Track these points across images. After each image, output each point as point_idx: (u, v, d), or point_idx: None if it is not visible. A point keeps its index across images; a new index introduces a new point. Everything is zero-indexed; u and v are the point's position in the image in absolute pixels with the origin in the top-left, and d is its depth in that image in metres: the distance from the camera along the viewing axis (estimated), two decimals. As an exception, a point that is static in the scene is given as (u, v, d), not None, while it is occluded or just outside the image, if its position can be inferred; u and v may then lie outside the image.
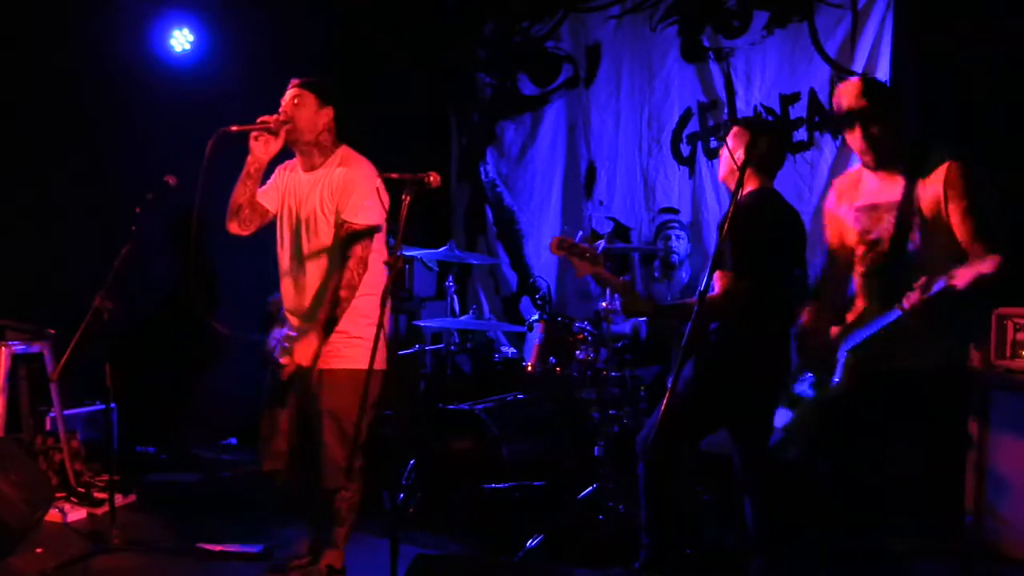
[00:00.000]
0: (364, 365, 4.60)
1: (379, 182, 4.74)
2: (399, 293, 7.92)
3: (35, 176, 7.51)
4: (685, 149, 7.87)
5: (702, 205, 7.75)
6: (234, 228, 5.14)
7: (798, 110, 7.24)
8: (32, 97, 7.33)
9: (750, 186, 4.89)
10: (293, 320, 5.10)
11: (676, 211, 7.85)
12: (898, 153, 4.36)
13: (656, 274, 7.29)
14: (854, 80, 4.51)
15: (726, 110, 7.64)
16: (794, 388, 4.65)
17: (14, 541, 5.51)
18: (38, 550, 5.63)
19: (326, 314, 4.80)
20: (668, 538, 4.89)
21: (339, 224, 4.88)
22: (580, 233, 4.80)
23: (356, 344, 4.89)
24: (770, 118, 7.37)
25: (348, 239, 4.85)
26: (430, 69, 9.03)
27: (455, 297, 7.43)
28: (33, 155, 7.41)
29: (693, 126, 7.87)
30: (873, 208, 4.42)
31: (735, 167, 4.84)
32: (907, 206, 4.27)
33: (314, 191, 5.00)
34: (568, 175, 8.63)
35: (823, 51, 7.08)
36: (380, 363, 4.67)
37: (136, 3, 7.94)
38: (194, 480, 7.57)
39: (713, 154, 7.71)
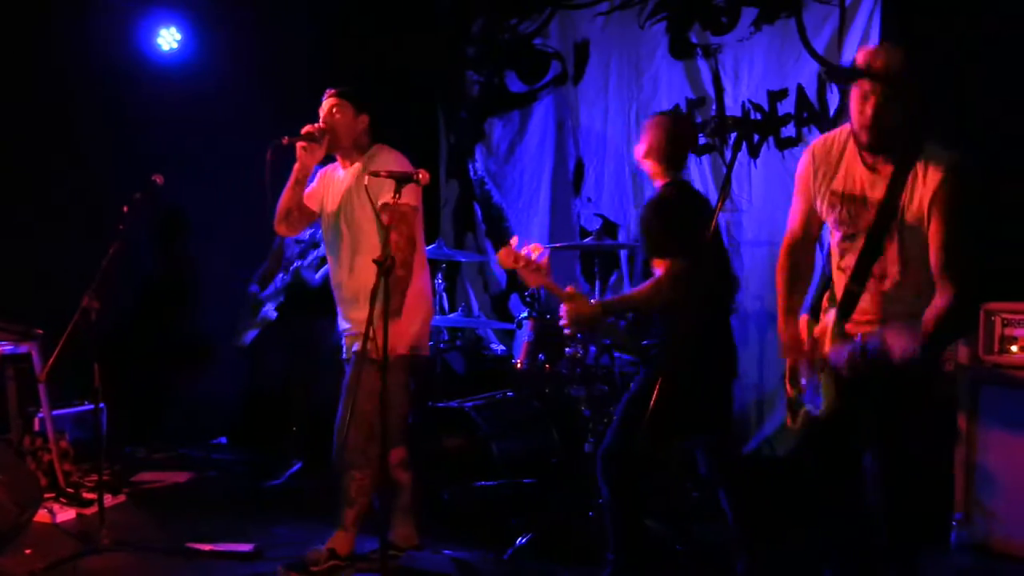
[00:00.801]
0: (400, 351, 5.06)
1: (407, 162, 5.12)
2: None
3: (22, 175, 7.50)
4: (674, 145, 7.86)
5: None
6: (283, 230, 5.57)
7: (786, 106, 7.24)
8: (19, 96, 7.31)
9: (661, 180, 5.02)
10: (349, 317, 5.38)
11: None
12: (895, 141, 3.93)
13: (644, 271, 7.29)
14: (898, 48, 3.99)
15: (714, 107, 7.63)
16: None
17: (3, 542, 5.48)
18: (27, 551, 5.61)
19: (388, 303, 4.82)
20: (634, 554, 4.88)
21: (382, 208, 5.01)
22: (520, 241, 4.76)
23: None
24: (758, 115, 7.38)
25: (390, 218, 4.90)
26: (418, 67, 9.01)
27: (444, 295, 7.42)
28: (19, 154, 7.39)
29: (681, 123, 7.86)
30: (852, 200, 4.05)
31: (646, 158, 5.02)
32: (891, 207, 3.92)
33: (350, 181, 5.35)
34: (556, 172, 8.62)
35: (811, 47, 7.08)
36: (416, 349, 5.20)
37: (123, 2, 7.93)
38: (184, 480, 7.56)
39: (702, 151, 7.70)
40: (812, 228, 4.33)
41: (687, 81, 7.81)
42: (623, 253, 7.86)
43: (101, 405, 5.87)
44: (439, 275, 7.25)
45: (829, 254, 4.28)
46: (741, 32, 7.49)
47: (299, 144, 5.27)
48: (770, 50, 7.32)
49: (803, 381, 4.23)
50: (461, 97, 9.24)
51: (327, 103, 5.44)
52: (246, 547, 5.70)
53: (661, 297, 4.71)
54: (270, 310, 7.31)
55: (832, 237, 4.21)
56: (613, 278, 7.50)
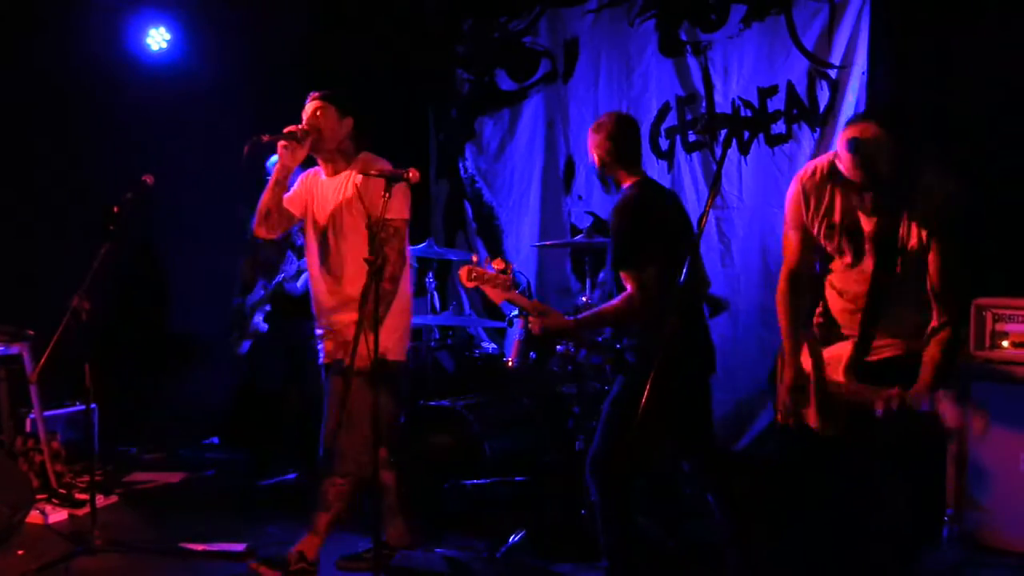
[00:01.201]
0: (388, 358, 5.05)
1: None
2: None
3: (10, 175, 7.48)
4: (664, 143, 7.87)
5: (681, 198, 7.73)
6: (262, 232, 5.44)
7: (776, 103, 7.24)
8: (7, 96, 7.29)
9: (627, 181, 4.97)
10: (329, 320, 5.32)
11: (655, 205, 7.83)
12: (895, 191, 3.97)
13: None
14: (875, 132, 3.96)
15: (704, 104, 7.64)
16: None
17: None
18: (19, 552, 5.62)
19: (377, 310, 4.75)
20: (629, 560, 4.88)
21: (373, 223, 4.85)
22: (484, 256, 4.78)
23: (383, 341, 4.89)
24: (748, 111, 7.38)
25: (384, 235, 4.85)
26: (408, 65, 9.01)
27: (435, 293, 7.42)
28: (8, 154, 7.38)
29: (671, 120, 7.86)
30: (851, 231, 4.11)
31: (602, 162, 5.00)
32: (891, 236, 4.01)
33: (338, 194, 5.25)
34: (547, 170, 8.62)
35: (800, 44, 7.09)
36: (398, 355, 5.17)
37: (112, 1, 7.91)
38: (176, 480, 7.55)
39: (692, 148, 7.72)
40: (809, 260, 4.39)
41: (677, 78, 7.81)
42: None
43: (93, 405, 5.89)
44: (430, 273, 7.24)
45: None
46: (731, 29, 7.49)
47: (280, 143, 5.18)
48: (760, 47, 7.32)
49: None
50: (451, 96, 9.23)
51: (310, 105, 5.35)
52: (239, 547, 5.70)
53: (633, 313, 4.70)
54: (259, 321, 7.30)
55: (833, 265, 4.30)
56: (602, 276, 7.49)
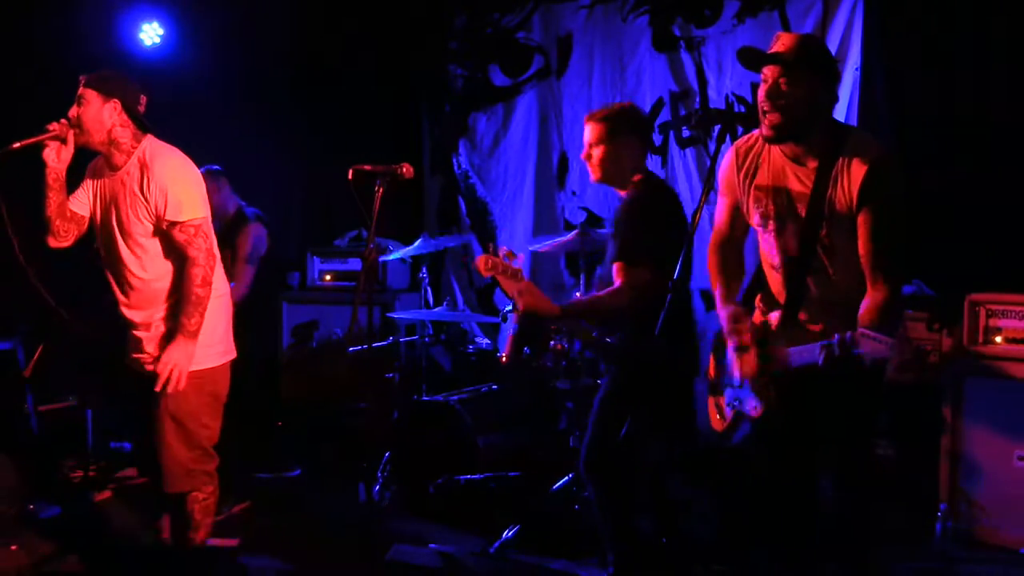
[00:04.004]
0: (209, 364, 4.74)
1: (191, 166, 4.73)
2: (372, 285, 7.90)
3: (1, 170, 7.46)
4: (657, 138, 7.88)
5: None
6: (52, 242, 4.87)
7: (770, 99, 7.25)
8: (-1, 91, 7.29)
9: (635, 177, 4.94)
10: (136, 325, 4.84)
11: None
12: (808, 129, 3.84)
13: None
14: (794, 33, 4.04)
15: (698, 99, 7.65)
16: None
17: (-12, 538, 5.50)
18: (13, 547, 5.60)
19: (191, 317, 4.58)
20: (632, 546, 4.89)
21: (168, 226, 4.61)
22: (503, 248, 4.73)
23: (199, 346, 4.70)
24: (742, 107, 7.39)
25: (184, 237, 4.62)
26: (402, 61, 9.01)
27: (429, 289, 7.42)
28: None
29: (665, 115, 7.88)
30: (777, 192, 4.00)
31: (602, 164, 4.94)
32: (819, 199, 3.86)
33: (123, 192, 4.70)
34: (541, 166, 8.62)
35: (794, 40, 7.09)
36: (225, 355, 4.85)
37: (105, -3, 7.90)
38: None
39: (685, 143, 7.73)
40: (738, 227, 4.30)
41: (671, 74, 7.82)
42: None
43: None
44: (423, 269, 7.24)
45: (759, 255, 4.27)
46: (724, 25, 7.50)
47: (43, 145, 4.65)
48: (753, 43, 7.30)
49: (735, 379, 4.11)
50: (444, 91, 9.23)
51: (77, 95, 4.74)
52: (232, 542, 5.70)
53: (619, 307, 4.67)
54: None
55: (761, 237, 4.17)
56: (599, 271, 7.48)
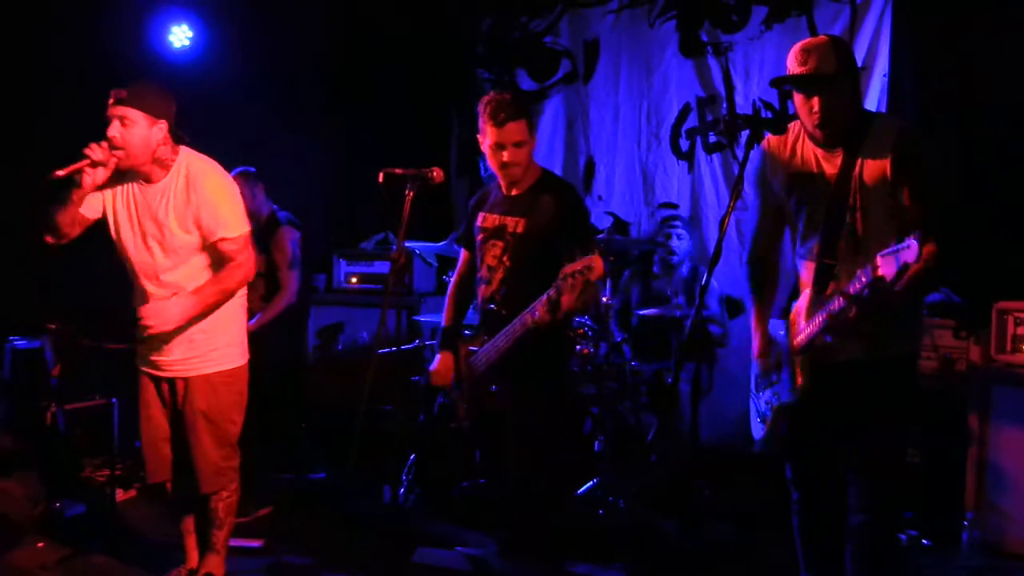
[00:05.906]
0: (237, 363, 4.83)
1: (230, 180, 4.75)
2: (399, 288, 7.93)
3: (33, 172, 7.50)
4: (684, 144, 7.88)
5: (701, 199, 7.76)
6: (51, 239, 4.79)
7: (797, 105, 7.24)
8: (29, 94, 7.32)
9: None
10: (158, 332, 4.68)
11: (675, 206, 7.83)
12: (847, 128, 3.99)
13: (656, 270, 7.26)
14: (821, 39, 4.04)
15: (725, 105, 7.65)
16: (759, 404, 4.40)
17: (16, 535, 5.52)
18: (40, 544, 5.64)
19: (209, 297, 4.64)
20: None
21: (217, 241, 4.61)
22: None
23: (224, 346, 4.81)
24: (768, 113, 7.38)
25: (232, 248, 4.64)
26: (430, 65, 9.03)
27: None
28: (31, 152, 7.39)
29: (692, 121, 7.88)
30: (810, 177, 4.09)
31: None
32: (845, 179, 3.97)
33: (163, 206, 4.63)
34: (567, 170, 8.61)
35: (822, 46, 7.08)
36: (245, 355, 4.90)
37: (135, -1, 7.94)
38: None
39: (712, 149, 7.72)
40: (777, 224, 4.35)
41: (697, 79, 7.83)
42: (634, 251, 7.85)
43: (113, 400, 5.89)
44: (450, 272, 7.24)
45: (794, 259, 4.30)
46: (752, 30, 7.50)
47: (84, 173, 4.55)
48: (781, 48, 7.30)
49: (773, 376, 4.25)
50: (472, 95, 9.23)
51: (111, 113, 4.62)
52: (256, 543, 5.72)
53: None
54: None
55: (793, 231, 4.24)
56: (625, 276, 7.49)
